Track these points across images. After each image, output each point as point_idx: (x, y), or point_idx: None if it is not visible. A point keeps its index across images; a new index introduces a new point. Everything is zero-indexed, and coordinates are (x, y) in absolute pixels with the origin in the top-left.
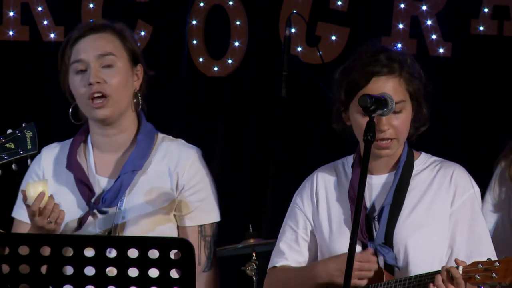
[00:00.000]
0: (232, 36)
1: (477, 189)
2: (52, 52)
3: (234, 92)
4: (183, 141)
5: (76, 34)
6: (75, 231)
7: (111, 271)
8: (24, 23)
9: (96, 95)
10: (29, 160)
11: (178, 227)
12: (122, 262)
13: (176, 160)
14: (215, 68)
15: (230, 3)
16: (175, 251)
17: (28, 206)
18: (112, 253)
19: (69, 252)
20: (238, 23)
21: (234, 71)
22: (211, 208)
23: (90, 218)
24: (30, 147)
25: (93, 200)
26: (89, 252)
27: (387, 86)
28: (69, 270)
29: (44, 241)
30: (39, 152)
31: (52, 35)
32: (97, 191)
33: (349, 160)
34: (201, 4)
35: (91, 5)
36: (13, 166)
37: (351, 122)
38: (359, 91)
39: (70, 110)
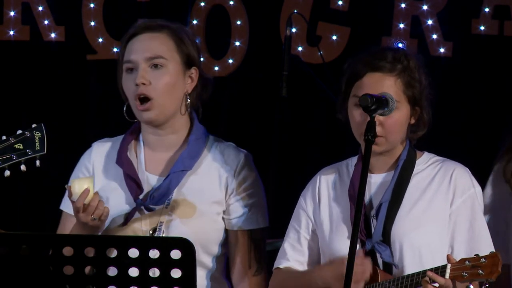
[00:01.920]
0: (232, 35)
1: (478, 189)
2: (52, 52)
3: (235, 92)
4: (234, 144)
5: (131, 31)
6: (120, 227)
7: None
8: (24, 23)
9: (141, 96)
10: (37, 161)
11: (226, 230)
12: (123, 262)
13: (228, 163)
14: (216, 68)
15: (231, 2)
16: (175, 250)
17: (73, 202)
18: (112, 252)
19: (69, 251)
20: (238, 22)
21: (234, 71)
22: (260, 213)
23: (136, 215)
24: (38, 148)
25: (141, 196)
26: (90, 252)
27: (382, 82)
28: (69, 270)
29: (44, 241)
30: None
31: (52, 35)
32: (146, 188)
33: (353, 160)
34: (202, 4)
35: (91, 5)
36: (22, 167)
37: (348, 113)
38: (357, 81)
39: (125, 108)
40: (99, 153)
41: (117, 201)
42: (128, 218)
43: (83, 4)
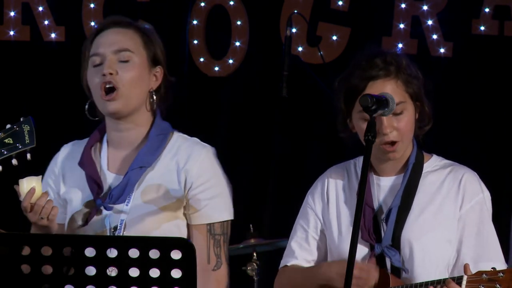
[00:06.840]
0: (233, 36)
1: (486, 194)
2: (53, 52)
3: (235, 92)
4: (197, 139)
5: (99, 27)
6: (81, 227)
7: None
8: (25, 23)
9: (107, 85)
10: (28, 155)
11: (188, 225)
12: (123, 262)
13: (186, 157)
14: (216, 68)
15: (231, 3)
16: (176, 251)
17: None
18: (113, 253)
19: (69, 252)
20: (239, 23)
21: (235, 71)
22: (221, 207)
23: (98, 214)
24: (28, 141)
25: (100, 196)
26: (89, 252)
27: (385, 89)
28: (69, 270)
29: (45, 241)
30: (45, 146)
31: (53, 35)
32: (106, 187)
33: (361, 161)
34: (202, 4)
35: (92, 5)
36: (13, 161)
37: (356, 129)
38: (358, 96)
39: (87, 106)
40: (65, 155)
41: (80, 202)
42: (88, 218)
43: (83, 4)
